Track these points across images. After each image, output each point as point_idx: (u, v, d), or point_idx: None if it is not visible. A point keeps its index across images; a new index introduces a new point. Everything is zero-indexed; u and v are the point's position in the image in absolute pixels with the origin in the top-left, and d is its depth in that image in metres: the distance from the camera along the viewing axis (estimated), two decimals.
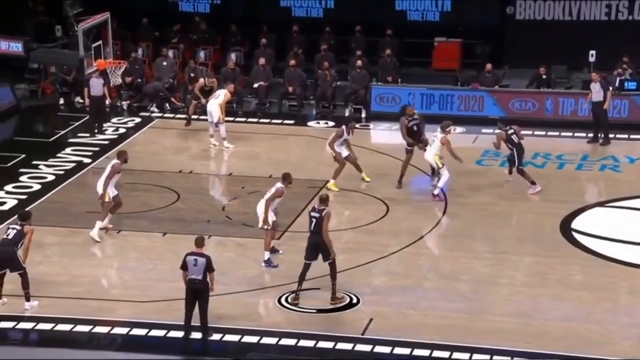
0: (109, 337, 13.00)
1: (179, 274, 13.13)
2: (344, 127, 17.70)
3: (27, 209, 13.85)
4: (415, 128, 17.84)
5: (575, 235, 15.92)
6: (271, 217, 14.74)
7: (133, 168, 18.73)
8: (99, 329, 13.08)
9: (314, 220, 13.64)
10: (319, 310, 13.49)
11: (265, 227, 14.69)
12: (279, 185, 14.87)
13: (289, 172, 15.13)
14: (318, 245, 13.59)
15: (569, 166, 19.19)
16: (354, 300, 13.72)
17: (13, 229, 13.34)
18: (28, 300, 13.42)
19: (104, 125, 21.15)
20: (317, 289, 13.83)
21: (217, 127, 19.77)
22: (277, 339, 12.84)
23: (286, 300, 13.73)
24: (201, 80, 21.31)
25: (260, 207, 14.83)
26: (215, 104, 19.60)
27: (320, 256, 13.66)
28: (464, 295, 14.04)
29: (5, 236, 13.34)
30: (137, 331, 13.05)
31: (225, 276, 14.12)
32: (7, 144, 20.63)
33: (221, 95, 19.75)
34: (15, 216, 13.91)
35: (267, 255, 14.79)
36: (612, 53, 22.20)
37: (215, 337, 12.85)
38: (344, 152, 17.60)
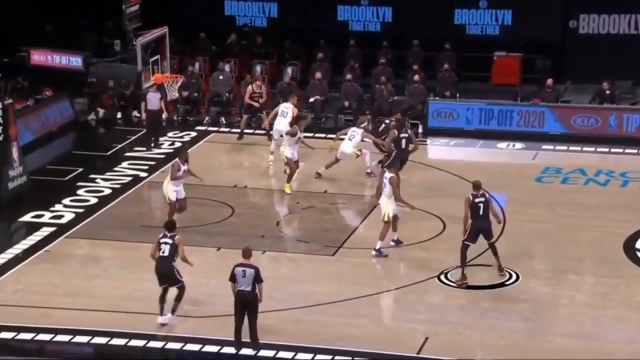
0: (163, 352, 13.11)
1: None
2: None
3: (171, 220, 14.26)
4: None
5: None
6: (393, 210, 15.44)
7: (188, 182, 18.98)
8: (154, 344, 13.20)
9: (481, 205, 14.62)
10: (487, 287, 14.50)
11: (386, 220, 15.45)
12: (389, 176, 15.49)
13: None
14: (486, 229, 14.63)
15: (633, 184, 18.83)
16: (514, 277, 14.70)
17: (165, 244, 13.43)
18: (173, 313, 13.57)
19: (160, 139, 21.45)
20: (480, 265, 14.70)
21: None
22: (330, 357, 12.81)
23: (445, 277, 14.81)
24: (249, 87, 21.45)
25: (383, 201, 15.50)
26: (284, 123, 19.48)
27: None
28: (523, 315, 13.86)
29: (161, 254, 13.40)
30: (190, 347, 13.14)
31: (279, 292, 14.16)
32: (65, 158, 21.05)
33: (289, 112, 19.65)
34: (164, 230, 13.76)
35: (379, 244, 15.50)
36: None
37: (268, 353, 12.88)
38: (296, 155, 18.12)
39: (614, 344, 13.08)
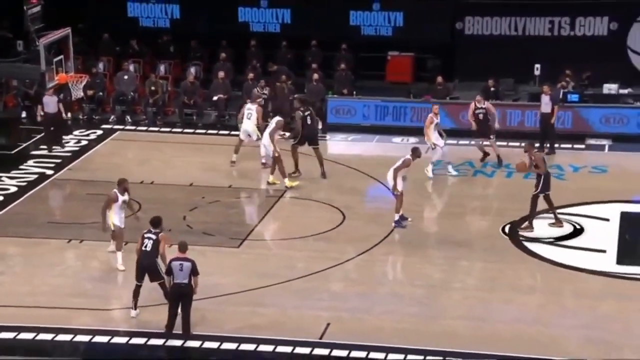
0: (72, 344, 12.80)
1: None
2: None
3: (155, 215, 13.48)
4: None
5: (523, 241, 16.09)
6: (400, 185, 15.97)
7: (95, 179, 18.61)
8: (62, 337, 12.89)
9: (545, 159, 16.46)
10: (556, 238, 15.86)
11: (396, 192, 15.98)
12: (407, 157, 16.14)
13: (416, 146, 16.88)
14: (550, 179, 16.26)
15: (516, 175, 19.35)
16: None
17: (149, 239, 13.12)
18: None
19: (65, 138, 20.88)
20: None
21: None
22: (236, 344, 12.77)
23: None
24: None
25: (390, 175, 16.04)
26: (250, 124, 19.09)
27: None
28: (418, 300, 14.10)
29: (143, 248, 13.08)
30: (99, 338, 12.89)
31: None
32: None
33: (253, 114, 19.14)
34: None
35: (397, 216, 16.14)
36: (556, 67, 22.53)
37: (176, 343, 12.75)
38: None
39: (501, 324, 13.44)
